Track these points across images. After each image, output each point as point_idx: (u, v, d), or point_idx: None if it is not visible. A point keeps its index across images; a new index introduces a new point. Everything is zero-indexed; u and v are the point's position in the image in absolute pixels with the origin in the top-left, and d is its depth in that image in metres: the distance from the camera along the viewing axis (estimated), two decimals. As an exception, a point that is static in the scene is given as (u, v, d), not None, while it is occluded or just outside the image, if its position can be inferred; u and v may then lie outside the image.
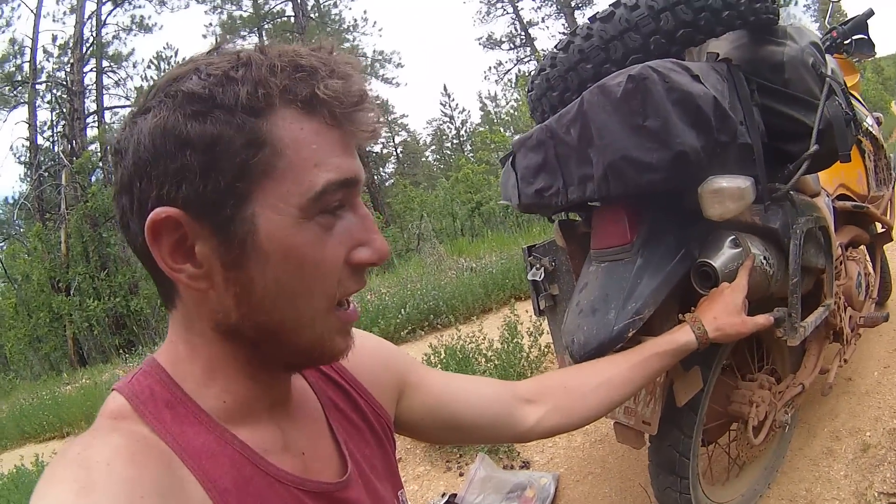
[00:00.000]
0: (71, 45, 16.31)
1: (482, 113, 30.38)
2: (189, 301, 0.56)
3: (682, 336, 1.04)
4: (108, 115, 17.11)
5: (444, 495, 2.16)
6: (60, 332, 13.47)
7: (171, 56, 18.44)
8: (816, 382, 1.67)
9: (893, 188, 2.36)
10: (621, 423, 1.36)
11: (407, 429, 0.86)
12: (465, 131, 31.77)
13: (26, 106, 16.12)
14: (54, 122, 16.55)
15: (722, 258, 1.14)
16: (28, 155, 16.52)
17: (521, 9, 23.95)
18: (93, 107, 16.99)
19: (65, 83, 16.19)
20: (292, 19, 19.82)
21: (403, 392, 0.84)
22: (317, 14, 20.62)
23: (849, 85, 1.67)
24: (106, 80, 17.69)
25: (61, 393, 7.11)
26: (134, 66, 18.41)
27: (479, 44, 25.05)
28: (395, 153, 30.80)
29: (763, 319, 1.11)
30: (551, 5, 23.44)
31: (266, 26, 19.78)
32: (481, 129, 25.17)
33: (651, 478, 1.44)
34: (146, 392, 0.55)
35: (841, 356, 1.73)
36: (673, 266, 1.13)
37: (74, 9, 16.36)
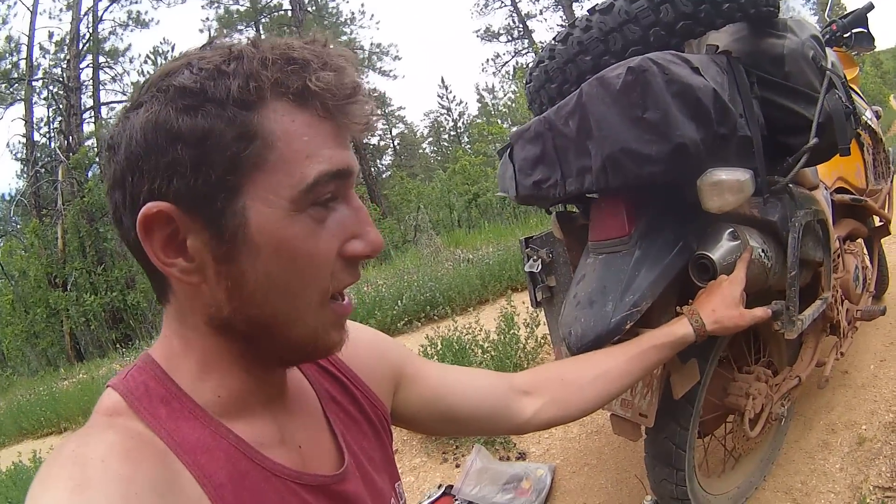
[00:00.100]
0: (67, 41, 16.24)
1: (479, 105, 30.41)
2: (182, 295, 0.55)
3: (679, 328, 1.05)
4: (104, 110, 17.07)
5: (440, 487, 2.16)
6: (57, 327, 13.46)
7: (168, 51, 18.40)
8: (813, 375, 1.67)
9: (891, 182, 2.36)
10: (618, 415, 1.36)
11: (404, 421, 0.86)
12: (463, 123, 31.77)
13: (23, 102, 16.10)
14: (51, 119, 16.54)
15: (720, 251, 1.13)
16: (24, 151, 16.49)
17: (519, 1, 23.94)
18: (89, 102, 16.96)
19: (61, 79, 16.12)
20: (289, 13, 19.72)
21: (400, 384, 0.84)
22: (314, 7, 20.54)
23: (848, 78, 1.67)
24: (102, 76, 17.66)
25: (58, 388, 7.10)
26: (130, 62, 18.47)
27: (477, 36, 25.03)
28: (392, 145, 30.76)
29: (761, 312, 1.12)
30: (549, -3, 23.37)
31: (263, 20, 19.69)
32: (479, 120, 25.19)
33: (647, 469, 1.44)
34: (141, 388, 0.54)
35: (837, 349, 1.73)
36: (671, 258, 1.13)
37: (71, 5, 16.27)
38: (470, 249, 7.84)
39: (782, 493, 1.65)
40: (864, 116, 2.08)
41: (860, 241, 2.09)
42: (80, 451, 0.46)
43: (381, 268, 8.82)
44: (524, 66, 19.79)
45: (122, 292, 13.06)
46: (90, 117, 16.69)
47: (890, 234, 2.27)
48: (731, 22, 1.17)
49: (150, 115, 0.49)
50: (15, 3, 16.14)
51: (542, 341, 3.18)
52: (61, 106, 15.97)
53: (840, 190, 1.85)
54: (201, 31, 20.13)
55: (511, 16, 24.27)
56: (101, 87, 17.45)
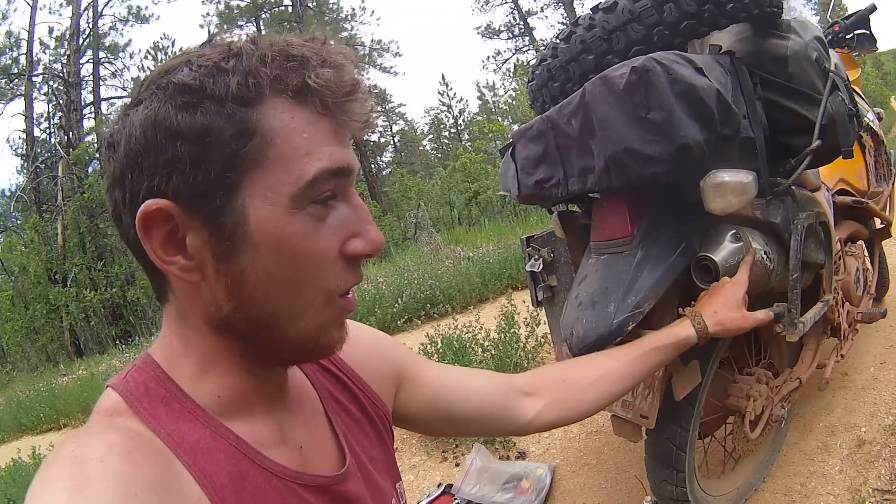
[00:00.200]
0: (67, 36, 16.22)
1: (480, 102, 30.36)
2: (181, 294, 0.55)
3: (682, 330, 1.04)
4: (104, 106, 17.04)
5: (440, 486, 2.16)
6: (57, 323, 13.47)
7: (168, 46, 18.38)
8: (813, 377, 1.67)
9: (893, 184, 2.36)
10: (619, 416, 1.36)
11: (405, 421, 0.85)
12: (463, 120, 31.75)
13: (23, 98, 16.09)
14: (51, 114, 16.53)
15: (723, 252, 1.13)
16: (25, 147, 16.49)
17: (520, -2, 23.86)
18: (89, 98, 16.93)
19: (61, 75, 16.10)
20: (290, 9, 19.70)
21: (401, 384, 0.83)
22: (314, 3, 20.51)
23: (850, 80, 1.66)
24: (103, 72, 17.61)
25: (58, 385, 7.09)
26: (131, 57, 18.50)
27: (478, 33, 25.00)
28: (392, 142, 30.71)
29: (763, 315, 1.11)
30: (550, -5, 23.34)
31: (263, 16, 19.66)
32: (479, 118, 25.15)
33: (647, 470, 1.44)
34: (141, 388, 0.54)
35: (838, 351, 1.73)
36: (673, 260, 1.13)
37: (71, 0, 16.23)
38: (470, 247, 7.84)
39: (781, 494, 1.65)
40: (866, 118, 2.08)
41: (861, 243, 2.08)
42: (79, 451, 0.46)
43: (381, 265, 8.82)
44: (525, 64, 19.79)
45: (122, 288, 13.07)
46: (90, 113, 16.69)
47: (891, 236, 2.26)
48: (735, 22, 1.16)
49: (150, 113, 0.49)
50: (15, -1, 16.15)
51: (543, 340, 3.17)
52: (61, 101, 15.97)
53: (841, 192, 1.85)
54: (201, 26, 20.12)
55: (512, 13, 24.27)
56: (101, 83, 17.45)
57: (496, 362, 2.93)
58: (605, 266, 1.18)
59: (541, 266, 1.62)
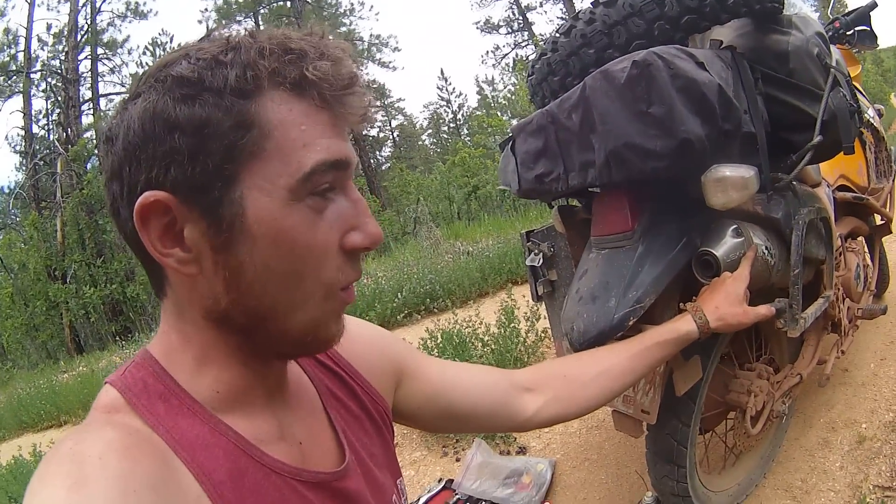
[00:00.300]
0: (66, 33, 16.17)
1: (479, 97, 30.17)
2: (179, 288, 0.55)
3: (683, 325, 1.04)
4: (103, 102, 16.99)
5: (440, 481, 2.17)
6: (57, 320, 13.47)
7: (167, 42, 18.34)
8: (814, 373, 1.67)
9: (893, 180, 2.36)
10: (620, 412, 1.36)
11: (405, 417, 0.85)
12: (462, 115, 31.58)
13: (21, 95, 16.06)
14: (49, 111, 16.48)
15: (724, 247, 1.13)
16: (23, 144, 16.48)
17: (519, -7, 23.78)
18: (88, 94, 16.88)
19: (60, 71, 16.06)
20: (288, 3, 19.65)
21: (401, 380, 0.83)
22: (313, -2, 20.46)
23: (851, 76, 1.66)
24: (101, 68, 17.55)
25: (58, 381, 7.09)
26: (129, 53, 18.44)
27: (477, 28, 24.87)
28: (391, 137, 30.60)
29: (764, 310, 1.11)
30: (549, -11, 23.26)
31: (262, 11, 19.60)
32: (478, 113, 25.04)
33: (648, 466, 1.44)
34: (139, 384, 0.54)
35: (838, 347, 1.73)
36: (675, 254, 1.13)
37: (69, -3, 16.20)
38: (470, 242, 7.82)
39: (782, 490, 1.65)
40: (866, 114, 2.08)
41: (861, 239, 2.08)
42: (77, 448, 0.46)
43: (380, 260, 8.82)
44: (524, 59, 19.73)
45: (121, 284, 13.06)
46: (89, 109, 16.66)
47: (891, 232, 2.26)
48: (736, 17, 1.16)
49: (148, 105, 0.49)
50: (13, -4, 16.10)
51: (543, 335, 3.17)
52: (60, 98, 15.93)
53: (842, 188, 1.84)
54: (200, 21, 20.08)
55: (511, 8, 24.17)
56: (99, 79, 17.39)
57: (496, 357, 2.92)
58: (606, 261, 1.18)
59: (541, 261, 1.62)
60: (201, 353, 0.56)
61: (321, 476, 0.61)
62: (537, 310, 3.14)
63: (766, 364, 1.50)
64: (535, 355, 3.07)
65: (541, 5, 23.66)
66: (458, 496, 2.03)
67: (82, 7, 16.50)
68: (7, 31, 16.01)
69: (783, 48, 1.16)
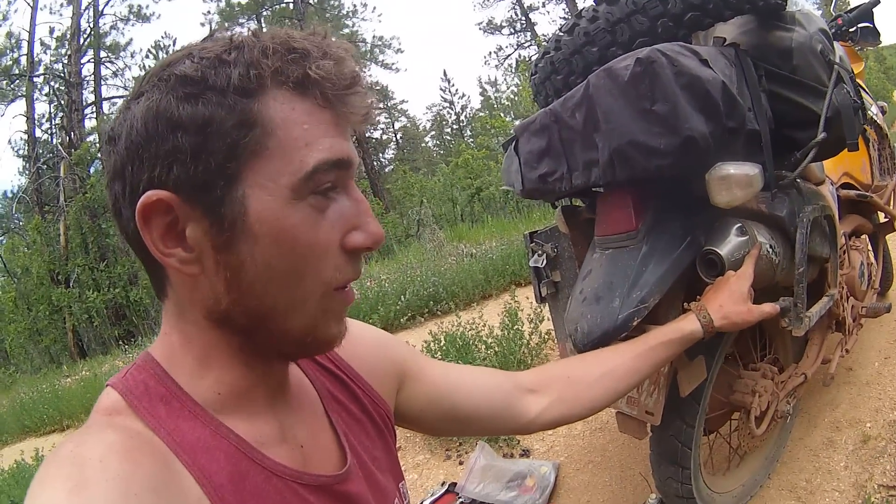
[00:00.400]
0: (68, 36, 16.22)
1: (482, 98, 30.17)
2: (180, 288, 0.55)
3: (687, 325, 1.03)
4: (106, 105, 17.02)
5: (443, 484, 2.16)
6: (60, 324, 13.49)
7: (170, 45, 18.34)
8: (818, 372, 1.66)
9: (897, 178, 2.35)
10: (624, 413, 1.35)
11: (407, 420, 0.85)
12: (465, 117, 31.60)
13: (24, 99, 16.08)
14: (52, 115, 16.54)
15: (728, 246, 1.12)
16: (26, 148, 16.50)
17: (522, -7, 23.80)
18: (91, 98, 16.92)
19: (62, 75, 16.12)
20: (291, 5, 19.70)
21: (403, 383, 0.83)
22: (316, 0, 20.49)
23: (854, 73, 1.65)
24: (104, 71, 17.60)
25: (61, 386, 7.10)
26: (132, 56, 18.33)
27: (480, 29, 24.88)
28: (394, 139, 30.68)
29: (769, 308, 1.10)
30: (552, -10, 23.26)
31: (265, 13, 19.65)
32: (481, 114, 25.04)
33: (652, 467, 1.44)
34: (140, 387, 0.54)
35: (843, 346, 1.72)
36: (679, 253, 1.12)
37: (71, 0, 16.24)
38: (473, 244, 7.82)
39: (787, 491, 1.64)
40: (870, 112, 2.07)
41: (865, 237, 2.07)
42: (78, 450, 0.46)
43: (383, 263, 8.82)
44: (527, 59, 19.75)
45: (124, 289, 13.08)
46: (92, 113, 16.68)
47: (895, 230, 2.25)
48: (740, 14, 1.16)
49: (151, 104, 0.49)
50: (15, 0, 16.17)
51: (546, 337, 3.16)
52: (63, 102, 15.98)
53: (846, 185, 1.84)
54: (203, 24, 20.12)
55: (513, 8, 24.17)
56: (102, 83, 17.45)
57: (500, 359, 2.92)
58: (610, 261, 1.17)
59: (544, 261, 1.61)
60: (203, 355, 0.56)
61: (323, 479, 0.60)
62: (541, 312, 3.13)
63: (771, 364, 1.50)
64: (539, 357, 3.07)
65: (543, 5, 23.68)
66: (461, 499, 2.02)
67: (85, 10, 16.58)
68: (10, 34, 16.11)
69: (787, 45, 1.15)
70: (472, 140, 21.66)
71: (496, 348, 3.02)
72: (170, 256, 0.51)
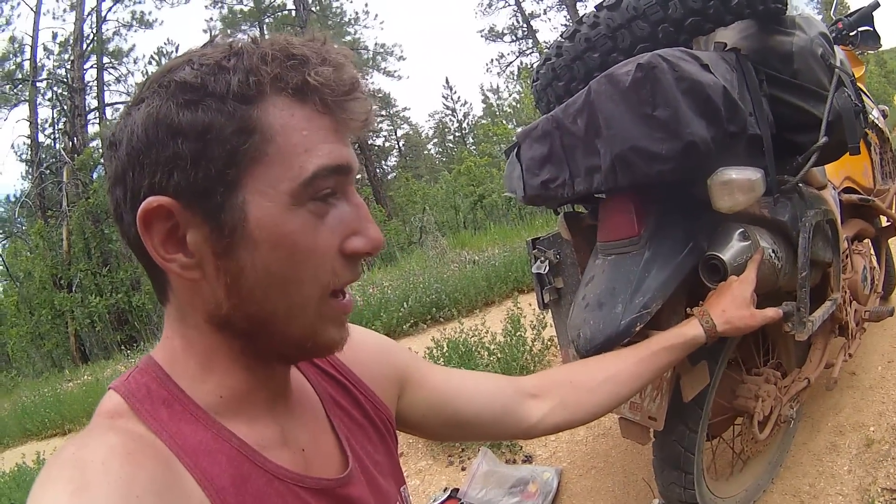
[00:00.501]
0: (71, 41, 16.30)
1: (484, 105, 30.22)
2: (181, 293, 0.55)
3: (690, 330, 1.03)
4: (109, 111, 17.09)
5: (446, 490, 2.15)
6: (62, 328, 13.49)
7: (172, 52, 18.44)
8: (821, 377, 1.65)
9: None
10: (627, 418, 1.34)
11: (409, 425, 0.85)
12: (468, 124, 31.62)
13: (27, 104, 16.14)
14: (55, 120, 16.60)
15: (731, 251, 1.12)
16: (29, 153, 16.57)
17: (523, 1, 23.84)
18: (94, 103, 17.00)
19: (65, 80, 16.18)
20: (293, 13, 19.76)
21: (404, 388, 0.83)
22: (318, 7, 20.58)
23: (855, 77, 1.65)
24: (107, 77, 17.70)
25: (63, 390, 7.12)
26: (135, 62, 18.47)
27: (481, 36, 24.89)
28: (397, 146, 30.71)
29: (772, 313, 1.10)
30: (553, -3, 23.31)
31: (267, 20, 19.73)
32: (483, 121, 25.10)
33: (655, 473, 1.43)
34: (142, 390, 0.54)
35: (846, 350, 1.72)
36: (681, 259, 1.12)
37: (75, 5, 16.34)
38: (476, 251, 7.82)
39: (790, 495, 1.64)
40: (871, 116, 2.07)
41: (867, 241, 2.07)
42: (80, 453, 0.46)
43: (386, 269, 8.82)
44: (528, 67, 19.77)
45: (127, 294, 13.08)
46: (95, 118, 16.76)
47: (898, 234, 2.25)
48: (740, 19, 1.16)
49: (151, 110, 0.50)
50: (18, 4, 16.25)
51: (549, 343, 3.16)
52: (65, 107, 16.04)
53: (848, 190, 1.83)
54: (205, 31, 20.24)
55: (515, 15, 24.21)
56: (105, 88, 17.53)
57: (502, 366, 2.91)
58: (612, 267, 1.17)
59: (547, 268, 1.61)
60: (204, 358, 0.56)
61: (324, 483, 0.61)
62: (543, 318, 3.14)
63: (774, 369, 1.49)
64: (542, 364, 3.06)
65: (545, 13, 23.73)
66: (463, 504, 2.02)
67: (88, 16, 16.67)
68: (13, 39, 16.20)
69: (787, 49, 1.16)
70: (474, 147, 21.71)
71: (499, 355, 3.02)
72: (171, 262, 0.52)
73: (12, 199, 18.74)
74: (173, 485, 0.48)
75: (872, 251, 2.15)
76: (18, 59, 16.35)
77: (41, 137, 16.38)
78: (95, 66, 17.16)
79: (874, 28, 2.22)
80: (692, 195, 1.11)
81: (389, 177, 26.74)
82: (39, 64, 16.39)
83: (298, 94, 0.52)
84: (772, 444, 1.67)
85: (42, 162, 15.80)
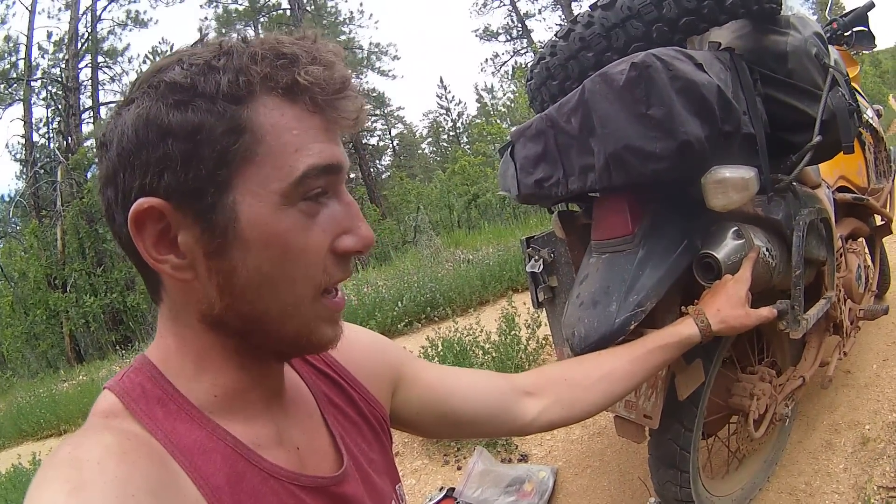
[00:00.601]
0: (66, 41, 16.21)
1: (479, 105, 30.23)
2: (174, 293, 0.55)
3: (685, 329, 1.03)
4: (103, 110, 17.00)
5: (441, 489, 2.15)
6: (57, 329, 13.43)
7: (167, 51, 18.25)
8: (816, 375, 1.66)
9: (893, 181, 2.36)
10: (622, 417, 1.35)
11: (403, 423, 0.85)
12: (462, 123, 31.58)
13: (21, 103, 16.06)
14: (50, 119, 16.53)
15: (725, 250, 1.12)
16: (23, 152, 16.48)
17: (518, 0, 23.90)
18: (88, 103, 16.93)
19: (60, 79, 16.10)
20: (288, 12, 19.72)
21: (399, 386, 0.83)
22: (312, 7, 20.54)
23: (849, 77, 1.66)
24: (101, 76, 17.62)
25: (58, 390, 7.08)
26: (129, 62, 18.40)
27: (476, 35, 24.95)
28: (391, 146, 30.65)
29: (767, 312, 1.11)
30: (547, -4, 23.35)
31: (261, 20, 19.69)
32: (478, 120, 25.08)
33: (651, 471, 1.43)
34: (137, 389, 0.54)
35: (840, 349, 1.72)
36: (675, 258, 1.12)
37: (69, 5, 16.26)
38: (470, 250, 7.83)
39: (786, 494, 1.64)
40: (865, 115, 2.08)
41: (862, 240, 2.08)
42: (76, 453, 0.46)
43: (380, 269, 8.81)
44: (523, 66, 19.77)
45: (121, 294, 13.03)
46: (89, 118, 16.68)
47: (892, 233, 2.26)
48: (734, 18, 1.16)
49: (141, 111, 0.50)
50: (13, 3, 16.15)
51: (544, 342, 3.16)
52: (60, 106, 15.97)
53: (842, 189, 1.84)
54: (200, 30, 20.16)
55: (510, 15, 24.26)
56: (99, 87, 17.45)
57: (497, 365, 2.92)
58: (607, 265, 1.17)
59: (541, 267, 1.61)
60: (198, 357, 0.56)
61: (319, 481, 0.61)
62: (538, 317, 3.13)
63: (769, 367, 1.50)
64: (537, 362, 3.06)
65: (539, 12, 23.79)
66: None
67: (83, 15, 16.58)
68: (7, 38, 16.08)
69: (782, 49, 1.16)
70: (468, 146, 21.70)
71: (493, 354, 3.02)
72: (163, 263, 0.52)
73: (6, 199, 18.64)
74: (169, 484, 0.48)
75: (867, 250, 2.15)
76: (13, 58, 16.24)
77: (35, 137, 16.33)
78: (90, 65, 17.08)
79: (869, 28, 2.23)
80: (686, 194, 1.11)
81: (384, 176, 26.73)
82: (34, 63, 16.30)
83: (288, 94, 0.52)
84: (767, 443, 1.68)
85: (36, 161, 15.75)
